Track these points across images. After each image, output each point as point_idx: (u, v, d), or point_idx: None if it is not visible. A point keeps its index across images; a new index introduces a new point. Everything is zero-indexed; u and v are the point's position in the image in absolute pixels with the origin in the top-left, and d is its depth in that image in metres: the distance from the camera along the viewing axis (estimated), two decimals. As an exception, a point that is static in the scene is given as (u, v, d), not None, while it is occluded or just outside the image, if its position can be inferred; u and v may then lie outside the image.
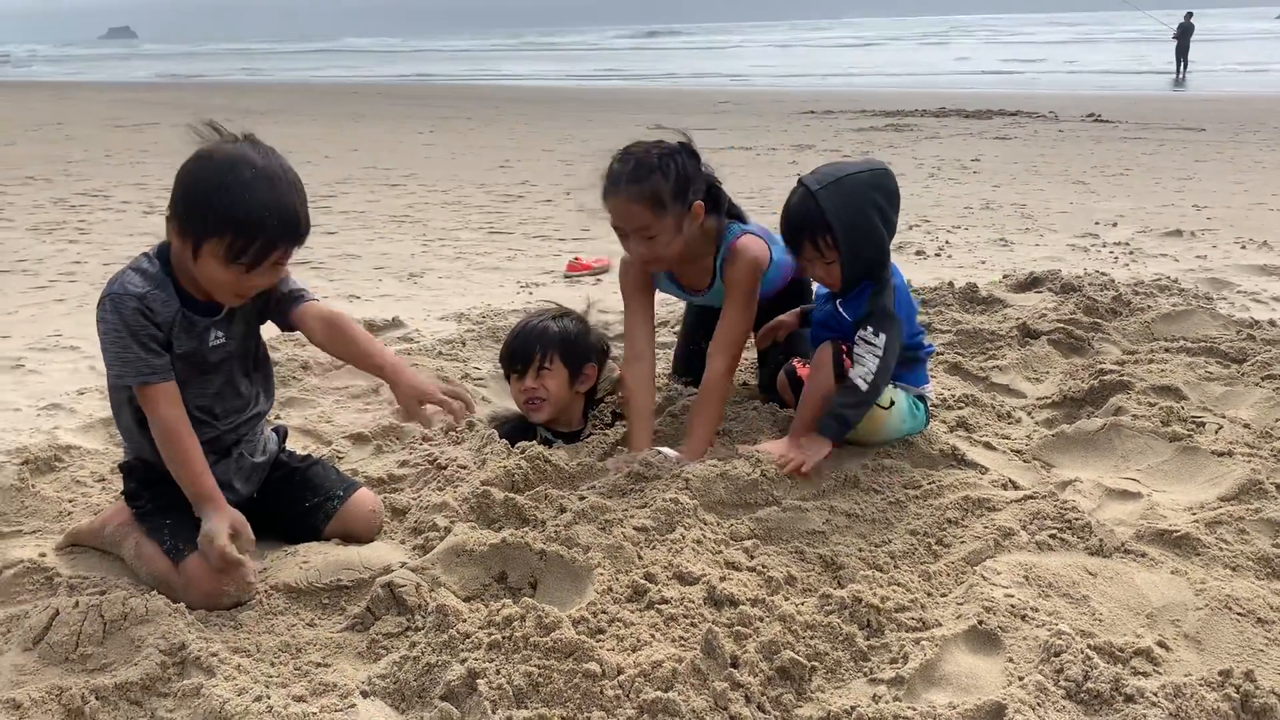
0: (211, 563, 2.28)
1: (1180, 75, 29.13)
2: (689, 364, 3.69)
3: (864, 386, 2.85)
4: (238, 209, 2.24)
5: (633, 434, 3.13)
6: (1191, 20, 29.88)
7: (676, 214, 3.07)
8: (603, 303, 5.25)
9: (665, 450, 2.96)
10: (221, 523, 2.31)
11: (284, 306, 2.62)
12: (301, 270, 6.23)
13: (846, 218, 2.84)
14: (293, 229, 2.34)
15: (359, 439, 3.37)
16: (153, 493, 2.50)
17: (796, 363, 3.27)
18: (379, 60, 67.49)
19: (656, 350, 3.50)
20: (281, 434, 2.83)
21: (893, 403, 2.97)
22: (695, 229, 3.15)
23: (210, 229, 2.26)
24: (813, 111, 18.59)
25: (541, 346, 3.26)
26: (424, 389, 2.58)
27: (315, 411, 3.66)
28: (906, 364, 3.05)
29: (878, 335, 2.86)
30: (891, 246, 3.00)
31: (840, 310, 2.99)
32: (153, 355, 2.34)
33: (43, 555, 2.54)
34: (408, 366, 2.65)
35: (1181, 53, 29.76)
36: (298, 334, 4.50)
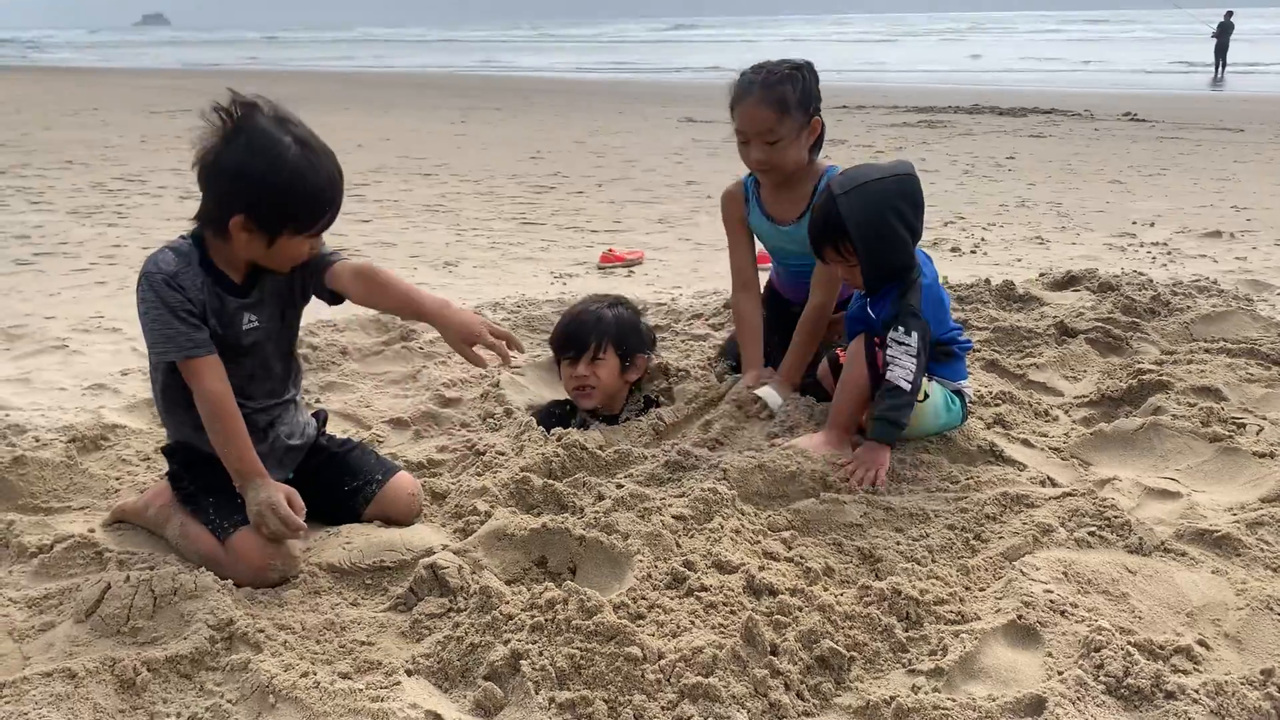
0: (270, 529, 2.32)
1: (1219, 74, 28.77)
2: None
3: (906, 386, 2.86)
4: (273, 178, 2.34)
5: (746, 357, 3.53)
6: (1231, 19, 29.49)
7: (799, 123, 3.37)
8: (631, 295, 5.28)
9: (766, 391, 3.27)
10: (277, 492, 2.35)
11: (319, 273, 2.59)
12: (337, 257, 6.28)
13: (865, 225, 2.88)
14: (323, 198, 2.46)
15: (398, 424, 3.41)
16: (194, 474, 2.54)
17: (840, 351, 3.28)
18: (397, 50, 67.70)
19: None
20: (322, 419, 2.86)
21: (927, 395, 2.97)
22: (807, 147, 3.44)
23: (245, 197, 2.35)
24: (845, 107, 18.49)
25: (597, 335, 3.29)
26: (472, 329, 2.53)
27: (355, 396, 3.70)
28: (942, 358, 3.05)
29: (909, 334, 2.87)
30: (925, 244, 3.02)
31: (868, 308, 3.02)
32: (193, 329, 2.37)
33: (91, 531, 2.60)
34: (452, 306, 2.60)
35: (1220, 52, 29.38)
36: (335, 319, 4.57)
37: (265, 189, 2.33)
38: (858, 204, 2.88)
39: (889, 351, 2.88)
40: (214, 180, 2.38)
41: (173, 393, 2.48)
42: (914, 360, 2.86)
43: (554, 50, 60.68)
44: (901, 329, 2.86)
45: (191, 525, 2.50)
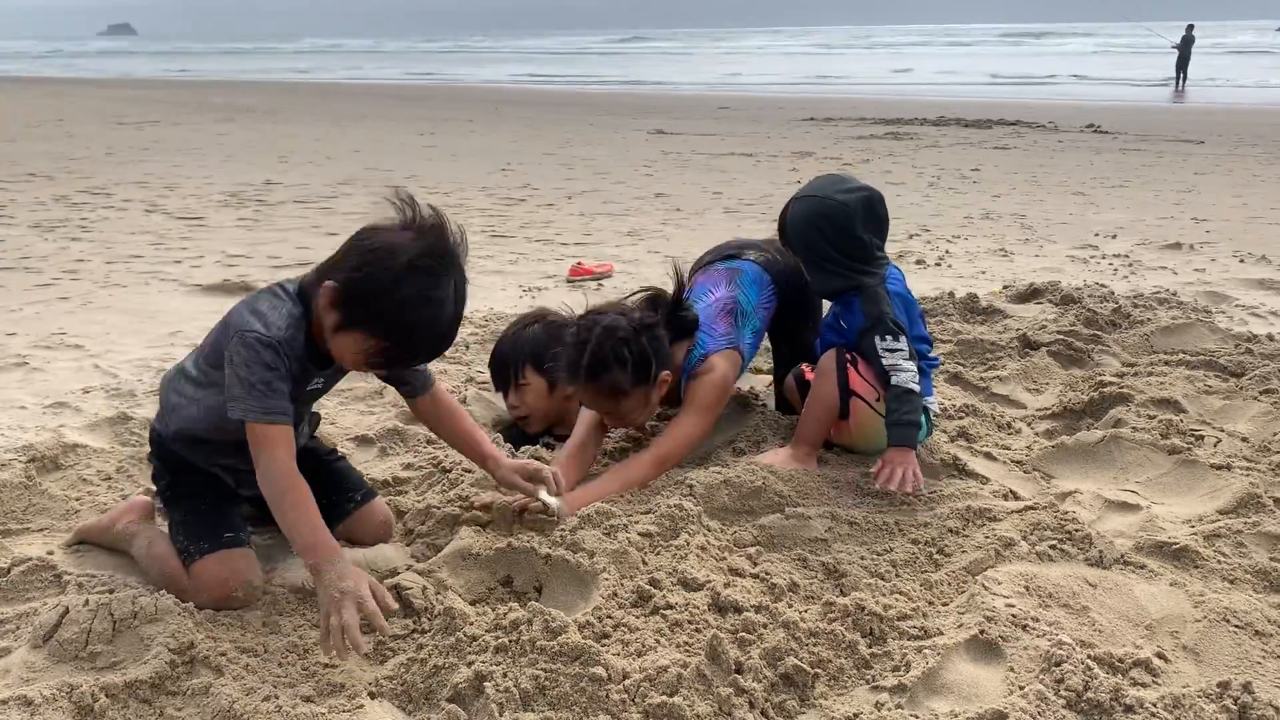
0: (346, 621, 2.03)
1: (1180, 87, 29.24)
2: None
3: (915, 388, 2.91)
4: (416, 331, 2.22)
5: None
6: (1193, 33, 30.01)
7: (641, 391, 3.00)
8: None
9: (548, 499, 2.66)
10: (360, 582, 2.10)
11: (404, 383, 2.58)
12: (305, 272, 6.25)
13: (796, 233, 3.07)
14: (444, 348, 2.36)
15: (363, 441, 3.39)
16: (174, 479, 2.50)
17: (805, 367, 3.30)
18: (345, 60, 67.44)
19: None
20: (313, 421, 2.82)
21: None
22: (659, 399, 3.09)
23: (379, 329, 2.22)
24: (813, 118, 18.64)
25: (513, 361, 3.28)
26: (524, 468, 2.61)
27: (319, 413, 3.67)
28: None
29: (897, 339, 2.91)
30: (890, 255, 3.08)
31: (838, 319, 3.06)
32: (281, 398, 2.23)
33: (51, 553, 2.56)
34: (504, 456, 2.68)
35: (1182, 65, 29.89)
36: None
37: (411, 335, 2.23)
38: (797, 213, 3.07)
39: (884, 360, 2.90)
40: (371, 298, 2.20)
41: (220, 430, 2.37)
42: (909, 361, 2.92)
43: (515, 61, 60.52)
44: (889, 337, 2.91)
45: (159, 544, 2.48)
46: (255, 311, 2.28)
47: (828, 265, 3.01)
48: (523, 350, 3.26)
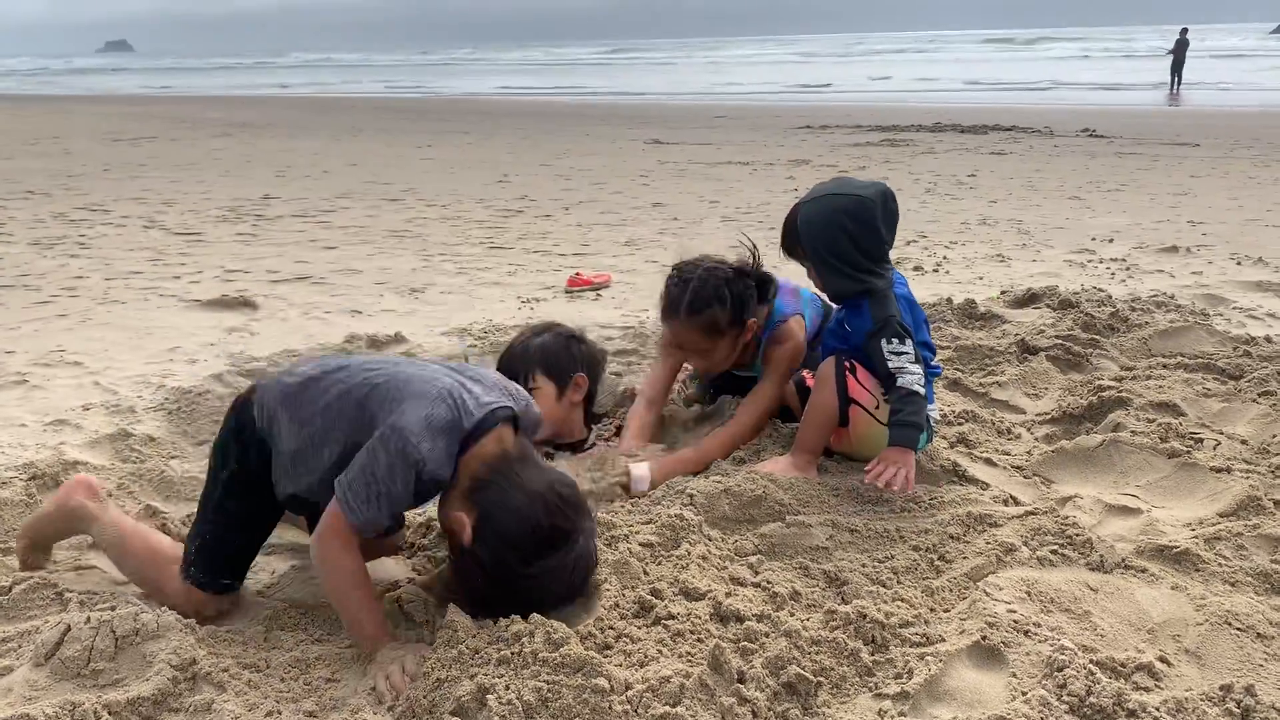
0: (378, 688, 2.08)
1: (1175, 90, 29.31)
2: (720, 379, 3.66)
3: (920, 390, 2.91)
4: (521, 540, 2.18)
5: (629, 429, 3.31)
6: (1187, 36, 30.10)
7: (734, 335, 3.25)
8: (599, 318, 5.29)
9: (634, 467, 2.99)
10: (406, 658, 2.13)
11: None
12: (303, 286, 6.27)
13: (814, 231, 2.99)
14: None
15: (364, 454, 3.39)
16: (242, 500, 2.40)
17: (805, 374, 3.30)
18: (338, 74, 67.58)
19: None
20: None
21: (894, 419, 2.99)
22: (742, 346, 3.31)
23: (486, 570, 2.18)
24: (809, 126, 18.67)
25: (523, 367, 3.28)
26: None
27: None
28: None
29: (904, 341, 2.92)
30: (892, 260, 3.08)
31: (844, 324, 3.05)
32: (387, 516, 2.21)
33: (52, 570, 2.56)
34: None
35: (1176, 68, 29.97)
36: (299, 348, 4.54)
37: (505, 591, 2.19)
38: (812, 212, 3.00)
39: (890, 363, 2.90)
40: (485, 544, 2.18)
41: (324, 470, 2.30)
42: (915, 364, 2.92)
43: (505, 74, 60.60)
44: (895, 340, 2.91)
45: (138, 539, 2.49)
46: (431, 428, 2.19)
47: (844, 266, 2.97)
48: (533, 357, 3.28)
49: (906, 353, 2.91)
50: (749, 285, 3.24)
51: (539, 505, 2.18)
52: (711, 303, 3.16)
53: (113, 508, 2.60)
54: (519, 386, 2.49)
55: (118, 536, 2.50)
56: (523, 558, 2.15)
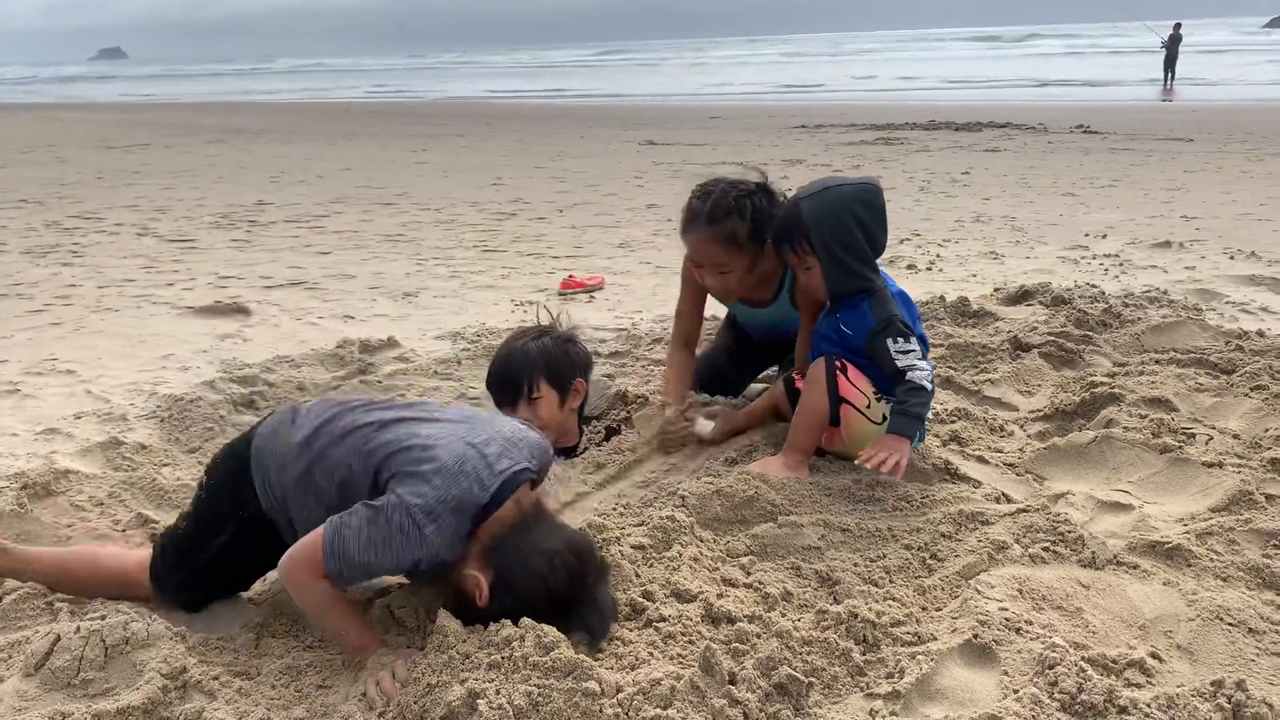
0: (369, 693, 2.08)
1: (1168, 85, 29.35)
2: (711, 381, 3.71)
3: (928, 385, 2.92)
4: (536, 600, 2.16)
5: (670, 393, 3.41)
6: (1180, 31, 30.14)
7: (751, 253, 3.22)
8: (592, 320, 5.29)
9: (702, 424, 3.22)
10: (393, 665, 2.12)
11: None
12: (297, 291, 6.26)
13: (824, 224, 2.95)
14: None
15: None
16: (234, 536, 2.40)
17: (795, 376, 3.30)
18: (329, 80, 67.53)
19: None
20: None
21: (885, 418, 2.99)
22: (766, 266, 3.29)
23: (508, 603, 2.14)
24: (803, 126, 18.67)
25: (527, 373, 3.19)
26: None
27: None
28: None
29: (909, 340, 2.93)
30: (882, 261, 3.07)
31: (839, 323, 3.03)
32: (363, 579, 2.22)
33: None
34: None
35: (1169, 63, 30.00)
36: (292, 355, 4.55)
37: (519, 580, 2.17)
38: (819, 206, 2.97)
39: (896, 361, 2.90)
40: (507, 595, 2.15)
41: (327, 498, 2.29)
42: (923, 360, 2.93)
43: (495, 77, 60.53)
44: (900, 339, 2.92)
45: (66, 554, 2.54)
46: (445, 508, 2.15)
47: (851, 259, 2.95)
48: (536, 364, 3.20)
49: (913, 350, 2.92)
50: (771, 204, 3.21)
51: (557, 565, 2.16)
52: (731, 213, 3.16)
53: (22, 549, 2.56)
54: (536, 437, 2.44)
55: (54, 563, 2.50)
56: (543, 615, 2.12)
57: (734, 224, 3.16)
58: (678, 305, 3.61)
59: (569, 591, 2.16)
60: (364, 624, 2.21)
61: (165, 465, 3.39)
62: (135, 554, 2.52)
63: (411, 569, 2.19)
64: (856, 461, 2.85)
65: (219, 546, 2.39)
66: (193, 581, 2.42)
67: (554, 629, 2.07)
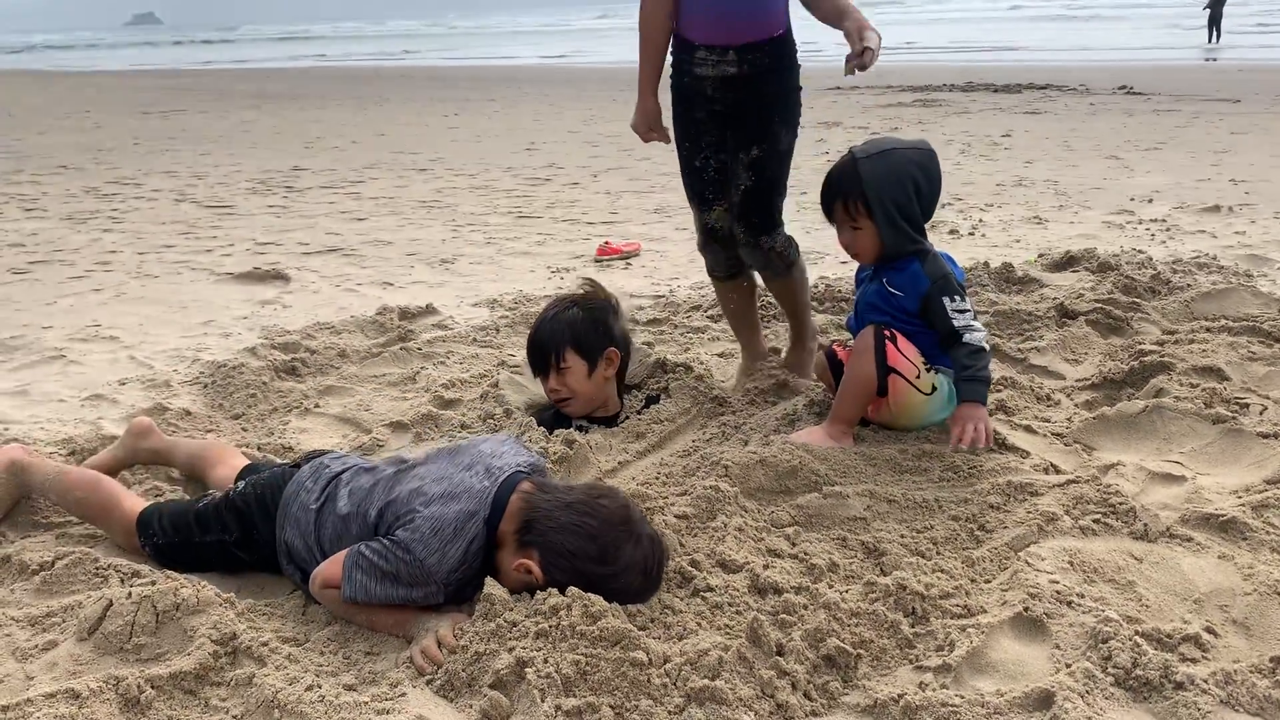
0: (416, 662, 2.09)
1: (1213, 43, 28.64)
2: None
3: (986, 345, 2.91)
4: (586, 548, 2.17)
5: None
6: (1224, -11, 29.38)
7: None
8: (629, 287, 5.26)
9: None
10: (440, 628, 2.14)
11: None
12: (334, 258, 6.28)
13: (884, 186, 2.93)
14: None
15: (398, 426, 3.40)
16: (239, 542, 2.50)
17: (836, 347, 3.26)
18: (347, 46, 67.27)
19: None
20: None
21: (934, 388, 2.95)
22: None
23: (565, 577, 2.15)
24: (838, 88, 18.41)
25: (554, 344, 3.25)
26: None
27: (354, 400, 3.69)
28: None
29: (964, 299, 2.92)
30: (926, 227, 3.04)
31: (886, 286, 2.99)
32: (398, 603, 2.22)
33: (93, 546, 2.58)
34: None
35: (1214, 21, 29.26)
36: (333, 322, 4.57)
37: (572, 557, 2.17)
38: (879, 167, 2.95)
39: (954, 322, 2.88)
40: (556, 555, 2.17)
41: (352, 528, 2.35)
42: (977, 320, 2.92)
43: (514, 42, 60.02)
44: (957, 297, 2.90)
45: (77, 473, 2.70)
46: (439, 531, 2.19)
47: (904, 222, 2.95)
48: (563, 334, 3.25)
49: (968, 310, 2.91)
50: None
51: (585, 511, 2.19)
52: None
53: (48, 460, 2.79)
54: (517, 446, 2.50)
55: (56, 471, 2.68)
56: (599, 560, 2.14)
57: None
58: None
59: (609, 525, 2.17)
60: (393, 609, 2.22)
61: (209, 431, 3.42)
62: (135, 498, 2.67)
63: (449, 595, 2.22)
64: (950, 450, 2.81)
65: (219, 542, 2.49)
66: (178, 553, 2.51)
67: (600, 599, 2.07)
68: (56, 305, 5.22)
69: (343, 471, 2.47)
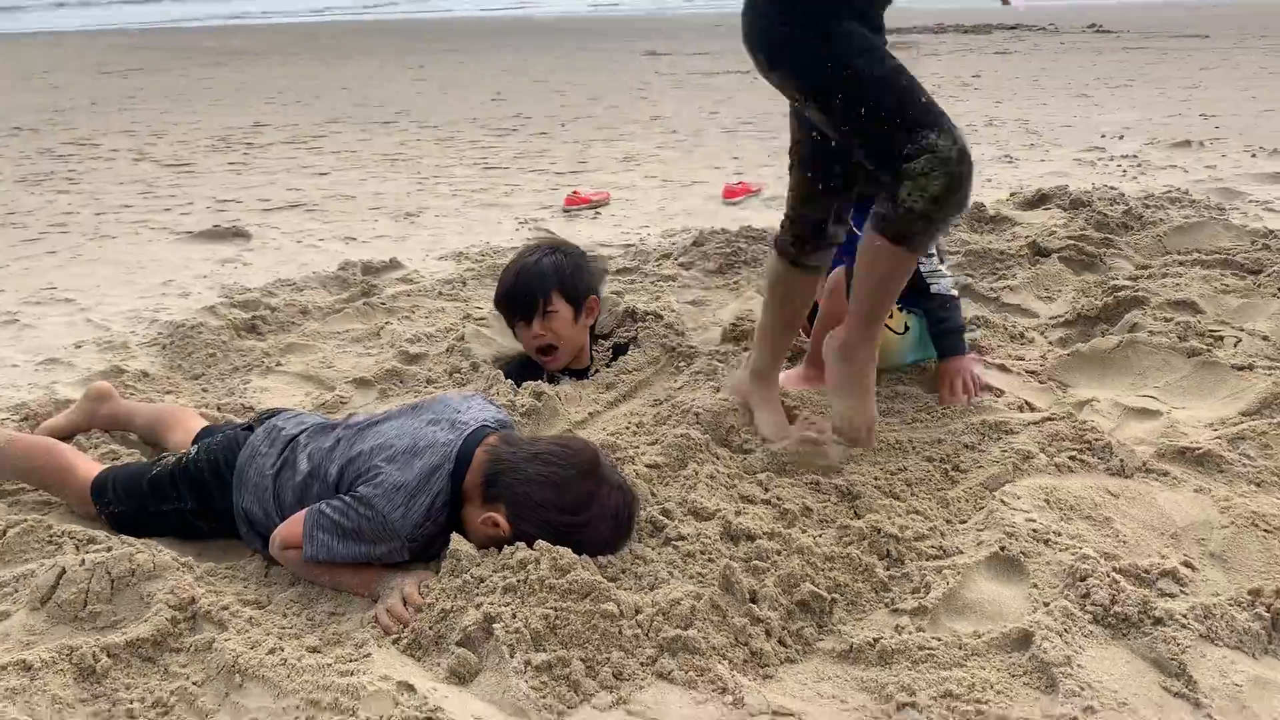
0: (381, 621, 2.04)
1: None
2: None
3: (955, 291, 2.91)
4: (553, 498, 2.12)
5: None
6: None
7: None
8: (598, 236, 5.18)
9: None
10: (405, 585, 2.08)
11: None
12: (296, 214, 6.14)
13: None
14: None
15: (362, 383, 3.32)
16: (194, 510, 2.41)
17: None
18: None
19: None
20: None
21: (907, 328, 2.91)
22: None
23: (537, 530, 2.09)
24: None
25: (541, 288, 3.13)
26: None
27: (316, 357, 3.60)
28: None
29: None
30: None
31: (853, 229, 2.93)
32: (362, 561, 2.15)
33: (46, 513, 2.50)
34: None
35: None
36: (294, 279, 4.46)
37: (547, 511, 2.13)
38: None
39: (924, 267, 2.86)
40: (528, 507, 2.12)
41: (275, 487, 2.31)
42: (945, 267, 2.92)
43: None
44: None
45: (23, 438, 2.63)
46: (403, 486, 2.12)
47: None
48: (549, 278, 3.14)
49: (933, 254, 2.86)
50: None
51: (553, 461, 2.13)
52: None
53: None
54: (484, 400, 2.45)
55: (6, 440, 2.59)
56: (568, 510, 2.09)
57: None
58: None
59: (577, 475, 2.12)
60: (358, 572, 2.15)
61: (168, 393, 3.33)
62: (90, 462, 2.58)
63: (414, 552, 2.15)
64: (941, 405, 2.77)
65: (175, 510, 2.41)
66: (135, 522, 2.42)
67: (569, 551, 2.01)
68: (9, 269, 5.07)
69: (299, 433, 2.39)
